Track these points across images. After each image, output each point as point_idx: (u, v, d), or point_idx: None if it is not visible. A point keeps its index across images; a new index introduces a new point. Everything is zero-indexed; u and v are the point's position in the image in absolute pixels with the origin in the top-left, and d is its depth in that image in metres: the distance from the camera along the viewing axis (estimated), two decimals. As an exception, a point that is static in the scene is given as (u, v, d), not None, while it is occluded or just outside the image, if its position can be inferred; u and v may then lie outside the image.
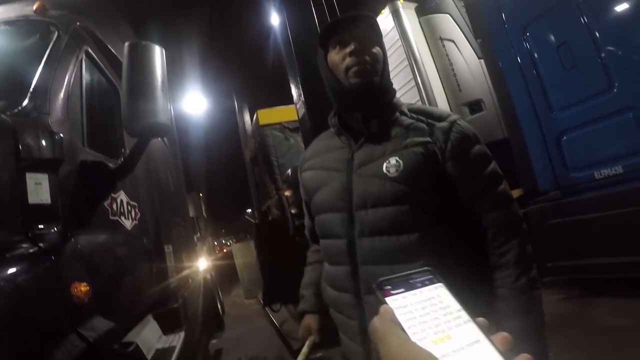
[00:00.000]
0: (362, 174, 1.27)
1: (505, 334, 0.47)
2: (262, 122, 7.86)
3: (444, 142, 1.22)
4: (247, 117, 13.24)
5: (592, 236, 3.80)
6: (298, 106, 4.59)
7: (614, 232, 3.59)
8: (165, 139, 4.48)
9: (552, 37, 4.07)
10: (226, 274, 12.82)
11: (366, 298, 1.24)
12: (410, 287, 0.52)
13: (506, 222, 1.22)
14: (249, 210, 23.18)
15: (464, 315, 0.49)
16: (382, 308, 0.50)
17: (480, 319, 0.48)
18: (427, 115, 1.29)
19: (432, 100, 5.07)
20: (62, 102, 1.91)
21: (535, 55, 4.26)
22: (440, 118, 1.27)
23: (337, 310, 1.38)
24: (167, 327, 2.98)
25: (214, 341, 6.29)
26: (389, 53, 5.32)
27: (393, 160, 1.22)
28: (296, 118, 5.28)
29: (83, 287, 1.62)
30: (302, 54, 4.16)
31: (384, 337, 0.47)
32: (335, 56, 1.31)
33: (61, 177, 1.72)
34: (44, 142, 1.65)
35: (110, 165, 2.20)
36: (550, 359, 1.17)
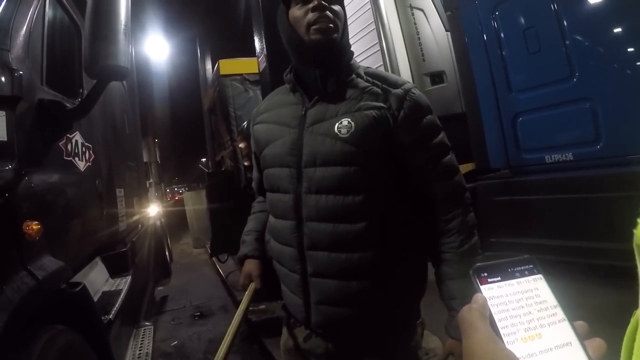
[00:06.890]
0: (314, 131, 1.28)
1: (600, 340, 0.45)
2: (222, 72, 7.65)
3: (397, 109, 1.23)
4: (208, 65, 12.76)
5: (536, 217, 3.87)
6: (260, 59, 4.50)
7: (557, 215, 3.66)
8: (124, 82, 4.37)
9: (521, 20, 4.00)
10: (176, 222, 12.78)
11: (309, 253, 1.28)
12: (507, 276, 0.50)
13: (451, 191, 1.28)
14: (204, 160, 22.91)
15: (559, 313, 0.46)
16: (475, 297, 0.48)
17: (580, 322, 0.46)
18: (383, 81, 1.30)
19: (395, 67, 5.01)
20: (23, 39, 1.84)
21: (502, 35, 4.21)
22: (395, 85, 1.28)
23: (280, 263, 1.41)
24: (115, 271, 3.02)
25: (160, 288, 6.38)
26: (357, 15, 5.10)
27: (345, 121, 1.23)
28: (257, 71, 5.22)
29: (35, 226, 1.64)
30: (269, 8, 4.03)
31: (469, 329, 0.46)
32: (297, 11, 1.28)
33: (18, 114, 1.69)
34: (2, 79, 1.61)
35: (68, 105, 2.17)
36: None
